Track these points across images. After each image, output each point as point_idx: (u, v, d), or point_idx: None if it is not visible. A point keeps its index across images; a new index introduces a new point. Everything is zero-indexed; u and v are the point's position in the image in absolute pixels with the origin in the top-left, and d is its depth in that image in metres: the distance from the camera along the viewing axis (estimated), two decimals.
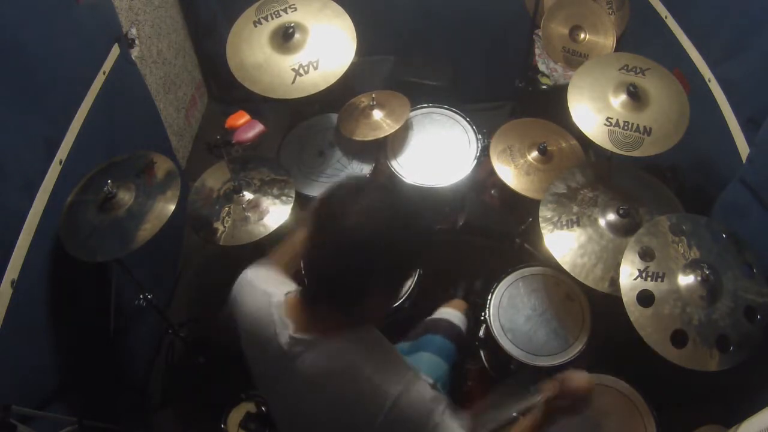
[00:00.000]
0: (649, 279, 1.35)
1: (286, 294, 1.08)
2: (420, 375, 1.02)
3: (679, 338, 1.28)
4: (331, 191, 1.00)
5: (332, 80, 1.78)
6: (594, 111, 1.63)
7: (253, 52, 1.83)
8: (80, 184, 1.58)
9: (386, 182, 0.97)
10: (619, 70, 1.68)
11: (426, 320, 1.72)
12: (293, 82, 1.78)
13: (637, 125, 1.59)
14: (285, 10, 1.89)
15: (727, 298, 1.31)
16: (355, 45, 1.83)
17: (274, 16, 1.88)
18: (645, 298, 1.33)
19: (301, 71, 1.79)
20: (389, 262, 0.96)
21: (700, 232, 1.42)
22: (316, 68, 1.80)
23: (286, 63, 1.82)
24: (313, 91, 1.77)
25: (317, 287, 1.01)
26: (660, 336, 1.28)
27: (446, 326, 1.67)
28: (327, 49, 1.83)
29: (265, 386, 1.18)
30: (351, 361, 0.99)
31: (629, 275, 1.37)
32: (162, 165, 1.63)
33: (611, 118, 1.61)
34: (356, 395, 0.97)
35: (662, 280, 1.35)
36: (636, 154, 1.57)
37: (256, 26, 1.87)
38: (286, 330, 1.01)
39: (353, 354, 0.99)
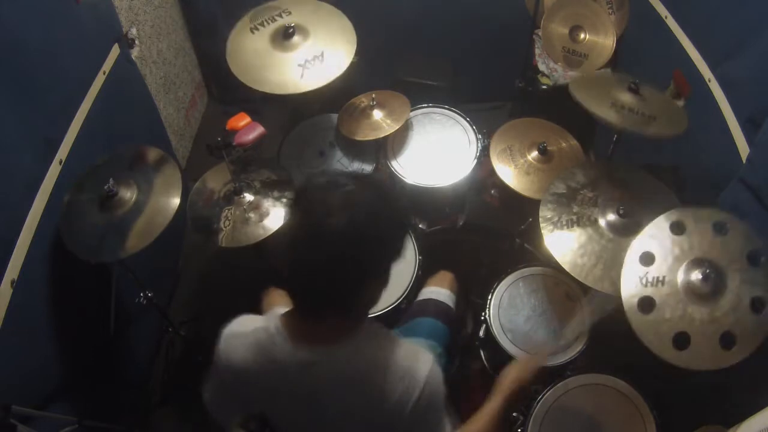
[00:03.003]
0: (649, 285, 1.33)
1: (280, 316, 1.03)
2: (431, 354, 1.02)
3: (681, 340, 1.27)
4: (305, 196, 0.96)
5: (333, 77, 1.77)
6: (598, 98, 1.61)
7: (255, 55, 1.82)
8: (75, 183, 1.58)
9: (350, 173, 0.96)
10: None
11: (413, 303, 1.72)
12: (302, 77, 1.77)
13: (643, 112, 1.58)
14: (280, 15, 1.87)
15: (731, 294, 1.28)
16: (354, 45, 1.82)
17: (269, 21, 1.86)
18: (646, 305, 1.32)
19: (307, 66, 1.78)
20: (378, 250, 0.95)
21: (700, 226, 1.38)
22: (322, 61, 1.79)
23: (290, 60, 1.80)
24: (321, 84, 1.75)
25: (313, 300, 0.98)
26: (662, 341, 1.26)
27: (434, 307, 1.67)
28: (327, 49, 1.82)
29: (274, 408, 1.10)
30: (372, 358, 0.98)
31: (629, 282, 1.34)
32: (150, 153, 1.64)
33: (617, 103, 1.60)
34: (384, 391, 0.96)
35: (662, 284, 1.33)
36: (649, 131, 1.54)
37: (253, 32, 1.85)
38: (295, 351, 0.98)
39: (371, 350, 0.99)
